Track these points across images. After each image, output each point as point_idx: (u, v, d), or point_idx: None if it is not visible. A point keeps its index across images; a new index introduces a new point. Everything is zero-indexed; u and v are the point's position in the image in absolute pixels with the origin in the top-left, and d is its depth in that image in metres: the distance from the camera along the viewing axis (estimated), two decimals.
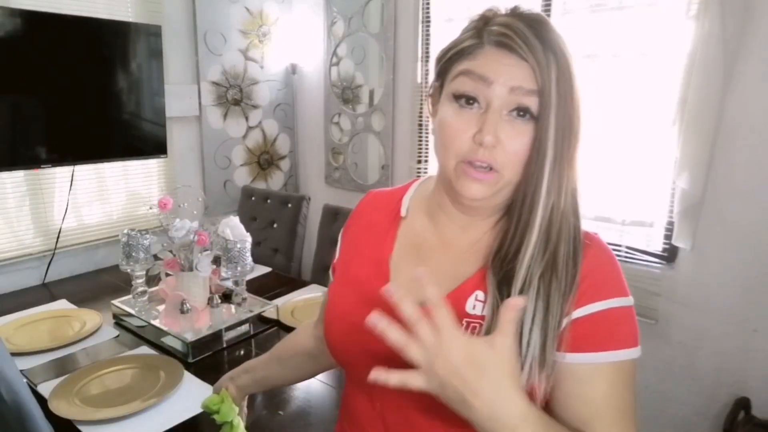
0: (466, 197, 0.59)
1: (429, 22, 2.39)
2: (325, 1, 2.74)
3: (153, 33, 2.13)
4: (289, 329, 1.53)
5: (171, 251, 1.50)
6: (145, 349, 1.42)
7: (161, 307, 1.56)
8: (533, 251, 0.57)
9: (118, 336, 1.50)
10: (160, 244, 1.53)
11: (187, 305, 1.49)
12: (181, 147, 2.50)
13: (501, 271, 0.59)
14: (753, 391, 1.72)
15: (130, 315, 1.53)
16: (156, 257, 1.55)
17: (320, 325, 0.84)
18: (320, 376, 1.25)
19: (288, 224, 2.26)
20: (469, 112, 0.58)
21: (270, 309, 1.58)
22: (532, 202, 0.57)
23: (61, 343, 1.41)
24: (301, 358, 0.90)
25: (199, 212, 2.00)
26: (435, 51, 2.35)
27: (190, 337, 1.37)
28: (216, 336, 1.42)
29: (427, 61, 2.44)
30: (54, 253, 2.06)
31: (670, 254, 1.88)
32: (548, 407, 0.60)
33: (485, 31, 0.58)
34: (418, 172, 2.55)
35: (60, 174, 2.06)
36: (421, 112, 2.50)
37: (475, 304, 0.61)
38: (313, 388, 1.25)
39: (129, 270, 1.57)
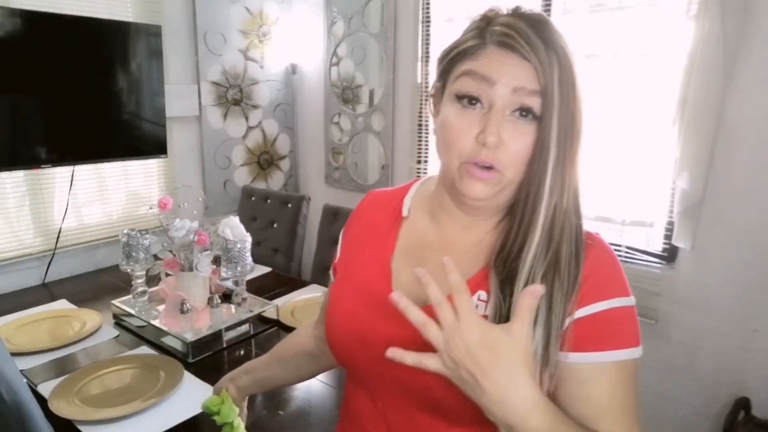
0: (469, 197, 0.60)
1: (429, 22, 2.39)
2: (325, 1, 2.74)
3: (153, 33, 2.14)
4: (289, 329, 1.53)
5: (171, 251, 1.50)
6: (145, 349, 1.42)
7: (161, 307, 1.56)
8: (536, 251, 0.57)
9: (118, 336, 1.50)
10: (160, 244, 1.53)
11: (187, 305, 1.49)
12: (181, 147, 2.50)
13: (504, 270, 0.59)
14: (753, 391, 1.72)
15: (130, 315, 1.53)
16: (156, 257, 1.55)
17: (321, 326, 0.84)
18: (320, 376, 1.25)
19: (288, 224, 2.26)
20: (471, 112, 0.58)
21: (270, 309, 1.58)
22: (534, 201, 0.57)
23: (61, 343, 1.41)
24: (302, 359, 0.90)
25: (199, 212, 2.00)
26: (435, 51, 2.36)
27: (190, 337, 1.37)
28: (216, 336, 1.42)
29: (427, 61, 2.44)
30: (54, 253, 2.06)
31: (670, 254, 1.88)
32: None
33: (487, 31, 0.58)
34: (418, 172, 2.55)
35: (60, 174, 2.06)
36: (421, 112, 2.50)
37: (478, 303, 0.61)
38: (313, 388, 1.25)
39: (129, 270, 1.57)
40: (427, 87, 2.45)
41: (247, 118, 2.77)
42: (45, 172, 2.01)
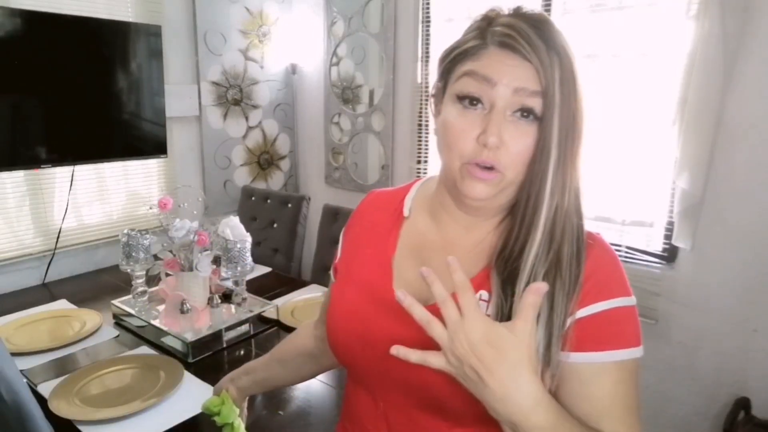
0: (470, 197, 0.60)
1: (429, 22, 2.39)
2: (325, 1, 2.74)
3: (153, 33, 2.14)
4: (289, 329, 1.53)
5: (171, 251, 1.50)
6: (145, 349, 1.42)
7: (161, 307, 1.56)
8: (537, 251, 0.57)
9: (118, 336, 1.50)
10: (160, 244, 1.53)
11: (187, 305, 1.49)
12: (181, 147, 2.50)
13: (505, 270, 0.59)
14: (753, 391, 1.72)
15: (130, 315, 1.53)
16: (156, 257, 1.55)
17: (321, 326, 0.84)
18: (320, 376, 1.25)
19: (288, 224, 2.26)
20: (473, 113, 0.58)
21: (270, 309, 1.58)
22: (536, 202, 0.58)
23: (61, 343, 1.41)
24: (302, 359, 0.90)
25: (199, 212, 2.00)
26: (435, 51, 2.36)
27: (190, 337, 1.37)
28: (216, 336, 1.42)
29: (427, 61, 2.44)
30: (54, 253, 2.06)
31: (670, 254, 1.88)
32: None
33: (488, 31, 0.58)
34: (418, 172, 2.55)
35: (60, 174, 2.06)
36: (420, 112, 2.50)
37: (480, 303, 0.61)
38: (313, 388, 1.25)
39: (129, 270, 1.57)
40: (427, 87, 2.45)
41: (247, 118, 2.77)
42: (45, 172, 2.01)
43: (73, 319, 1.57)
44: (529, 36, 0.55)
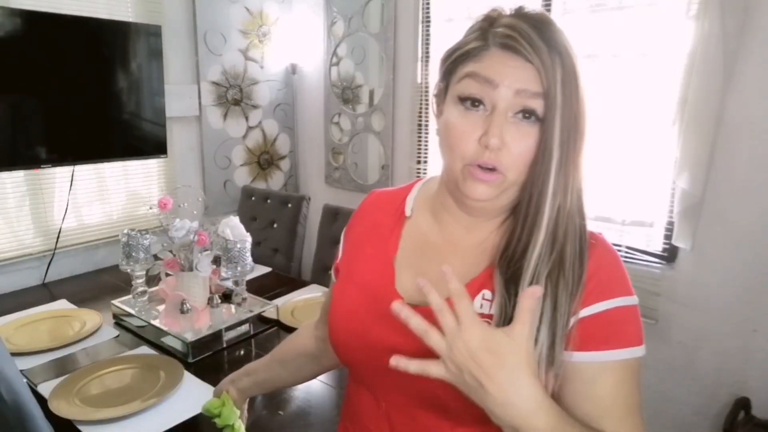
0: (472, 198, 0.60)
1: (429, 22, 2.39)
2: (325, 1, 2.74)
3: (153, 33, 2.13)
4: (289, 329, 1.53)
5: (171, 251, 1.50)
6: (145, 349, 1.42)
7: (161, 307, 1.56)
8: (540, 251, 0.57)
9: (118, 336, 1.50)
10: (160, 244, 1.53)
11: (187, 305, 1.49)
12: (181, 147, 2.50)
13: (508, 270, 0.59)
14: (753, 391, 1.72)
15: (130, 315, 1.53)
16: (156, 257, 1.55)
17: (321, 326, 0.84)
18: (320, 376, 1.25)
19: (288, 224, 2.26)
20: (474, 114, 0.58)
21: (270, 309, 1.58)
22: (538, 203, 0.58)
23: (61, 343, 1.41)
24: (303, 360, 0.90)
25: (199, 212, 2.00)
26: (435, 51, 2.36)
27: (190, 337, 1.37)
28: (216, 336, 1.42)
29: (427, 61, 2.44)
30: (54, 253, 2.06)
31: (670, 254, 1.88)
32: None
33: (490, 32, 0.58)
34: (418, 172, 2.55)
35: (60, 174, 2.06)
36: (420, 112, 2.50)
37: (482, 303, 0.62)
38: (313, 388, 1.25)
39: (129, 270, 1.57)
40: (427, 87, 2.45)
41: (247, 118, 2.77)
42: (45, 172, 2.01)
43: (73, 319, 1.57)
44: (530, 37, 0.55)
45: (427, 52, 2.43)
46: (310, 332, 0.89)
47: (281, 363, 0.92)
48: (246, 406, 0.96)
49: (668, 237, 1.85)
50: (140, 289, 1.59)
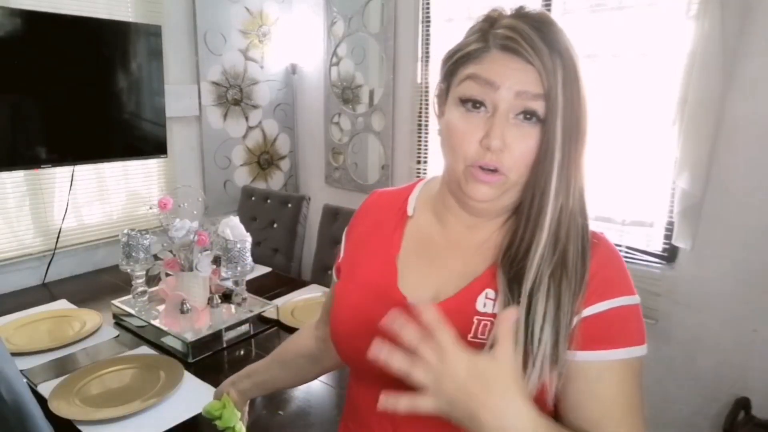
0: (474, 199, 0.60)
1: (429, 22, 2.39)
2: (325, 1, 2.74)
3: (153, 33, 2.13)
4: (289, 329, 1.53)
5: (171, 251, 1.50)
6: (145, 349, 1.42)
7: (161, 307, 1.56)
8: (543, 251, 0.57)
9: (118, 336, 1.50)
10: (160, 244, 1.53)
11: (187, 305, 1.49)
12: (181, 147, 2.50)
13: (511, 269, 0.59)
14: (753, 391, 1.72)
15: (130, 315, 1.53)
16: (156, 257, 1.55)
17: (322, 326, 0.84)
18: (320, 377, 1.25)
19: (288, 224, 2.26)
20: (476, 116, 0.58)
21: (270, 309, 1.58)
22: (540, 203, 0.58)
23: (61, 343, 1.41)
24: (303, 360, 0.90)
25: (199, 212, 1.99)
26: (435, 51, 2.36)
27: (190, 337, 1.37)
28: (216, 336, 1.42)
29: (427, 61, 2.44)
30: (54, 253, 2.06)
31: (670, 254, 1.88)
32: (558, 406, 0.60)
33: (491, 33, 0.58)
34: (418, 172, 2.55)
35: (60, 174, 2.06)
36: (420, 112, 2.50)
37: (486, 302, 0.62)
38: (313, 388, 1.25)
39: (129, 270, 1.57)
40: (427, 87, 2.45)
41: (247, 118, 2.77)
42: (45, 172, 2.01)
43: (73, 319, 1.57)
44: (531, 38, 0.55)
45: (427, 52, 2.43)
46: (310, 333, 0.89)
47: (282, 364, 0.92)
48: (247, 408, 0.96)
49: (668, 237, 1.85)
50: (140, 289, 1.59)
